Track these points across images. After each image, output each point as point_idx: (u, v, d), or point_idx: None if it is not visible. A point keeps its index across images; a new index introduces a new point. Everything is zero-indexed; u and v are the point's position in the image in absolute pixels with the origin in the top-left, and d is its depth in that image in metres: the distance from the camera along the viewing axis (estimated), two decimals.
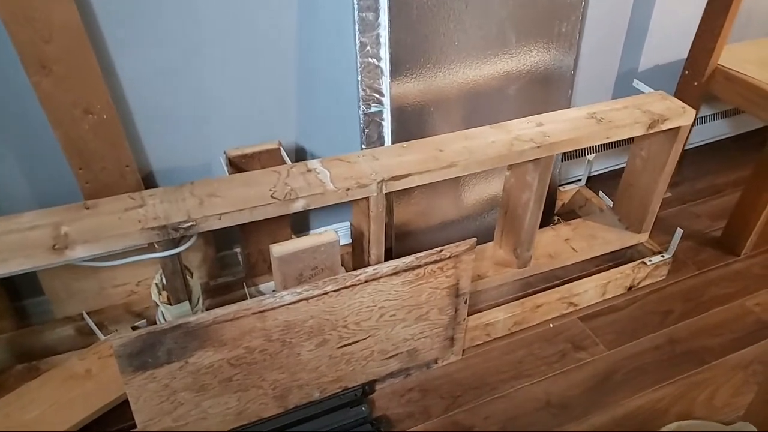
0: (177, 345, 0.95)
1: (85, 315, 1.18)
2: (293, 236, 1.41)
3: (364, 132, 1.33)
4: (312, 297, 1.03)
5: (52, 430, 0.98)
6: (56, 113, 1.06)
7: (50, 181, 1.18)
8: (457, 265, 1.15)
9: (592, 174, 1.83)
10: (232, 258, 1.49)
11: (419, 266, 1.11)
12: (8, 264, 0.86)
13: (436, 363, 1.31)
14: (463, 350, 1.34)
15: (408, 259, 1.09)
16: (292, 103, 1.33)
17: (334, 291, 1.05)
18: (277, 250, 0.97)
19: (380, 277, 1.08)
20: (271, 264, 1.41)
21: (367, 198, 1.07)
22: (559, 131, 1.23)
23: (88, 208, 0.95)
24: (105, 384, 1.04)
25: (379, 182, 1.05)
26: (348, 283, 1.05)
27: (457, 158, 1.12)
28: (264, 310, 1.00)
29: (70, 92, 1.05)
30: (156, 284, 1.10)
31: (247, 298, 1.38)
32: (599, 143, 1.25)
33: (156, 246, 0.96)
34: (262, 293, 1.43)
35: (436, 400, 1.27)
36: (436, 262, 1.12)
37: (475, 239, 1.14)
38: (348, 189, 1.04)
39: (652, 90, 1.43)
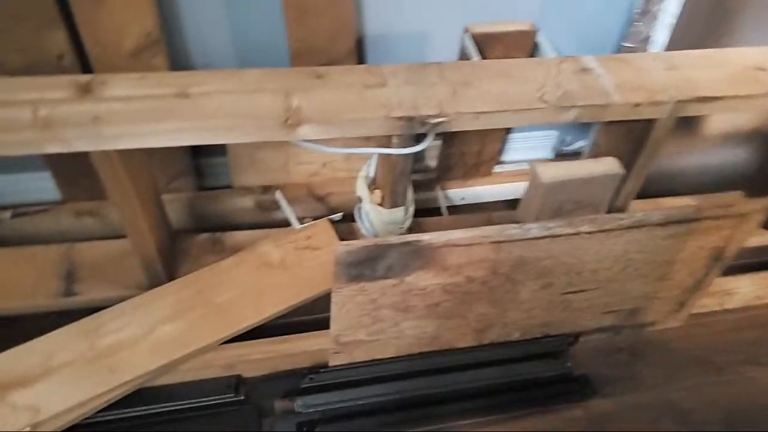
0: (399, 262, 0.82)
1: (279, 196, 1.08)
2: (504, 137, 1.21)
3: (631, 25, 1.06)
4: (561, 235, 0.85)
5: (243, 318, 0.90)
6: None
7: (256, 33, 1.03)
8: (738, 225, 0.92)
9: None
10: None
11: (696, 220, 0.89)
12: (234, 132, 0.73)
13: (653, 325, 1.13)
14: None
15: (686, 210, 0.87)
16: None
17: (588, 233, 0.86)
18: (547, 174, 0.78)
19: (645, 226, 0.87)
20: (471, 168, 1.24)
21: (650, 121, 0.84)
22: None
23: (320, 77, 0.79)
24: (300, 279, 0.95)
25: (677, 102, 0.81)
26: (607, 227, 0.86)
27: None
28: (503, 241, 0.84)
29: None
30: (364, 177, 0.96)
31: (437, 203, 1.23)
32: None
33: (393, 140, 0.80)
34: (449, 200, 1.27)
35: (648, 368, 1.10)
36: (717, 218, 0.89)
37: None
38: (637, 105, 0.81)
39: None
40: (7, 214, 1.06)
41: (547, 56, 0.96)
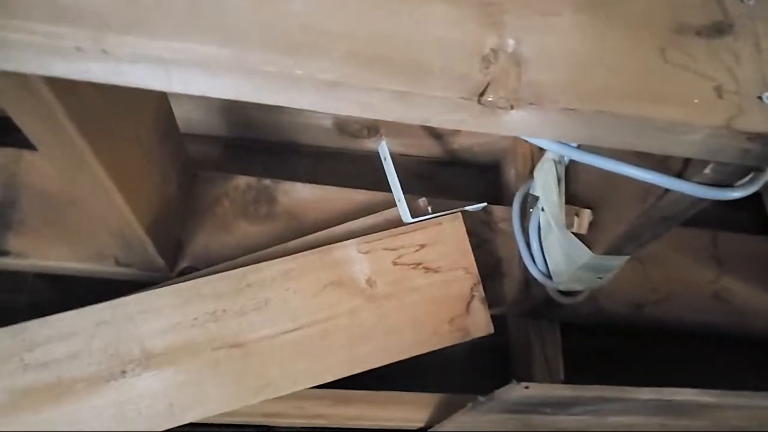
0: (615, 408, 0.41)
1: (385, 150, 0.63)
2: None
3: None
4: None
5: (283, 380, 0.53)
6: None
7: None
8: None
9: None
10: None
11: None
12: (347, 100, 0.29)
13: None
14: None
15: None
16: None
17: None
18: None
19: None
20: None
21: None
22: None
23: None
24: (394, 323, 0.55)
25: None
26: None
27: None
28: None
29: None
30: (553, 164, 0.52)
31: None
32: None
33: (706, 169, 0.35)
34: None
35: None
36: None
37: None
38: None
39: None
40: None
41: None
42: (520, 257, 0.61)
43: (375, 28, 0.29)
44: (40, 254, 0.57)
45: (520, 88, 0.29)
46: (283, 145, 0.78)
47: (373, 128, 0.77)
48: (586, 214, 0.49)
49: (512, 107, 0.30)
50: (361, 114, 0.30)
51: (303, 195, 0.65)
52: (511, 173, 0.74)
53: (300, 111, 0.74)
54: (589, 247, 0.49)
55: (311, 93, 0.29)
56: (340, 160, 0.79)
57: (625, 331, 0.70)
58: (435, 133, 0.78)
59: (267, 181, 0.65)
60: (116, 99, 0.39)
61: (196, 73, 0.28)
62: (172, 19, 0.28)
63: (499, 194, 0.77)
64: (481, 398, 0.40)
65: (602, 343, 0.71)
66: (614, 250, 0.47)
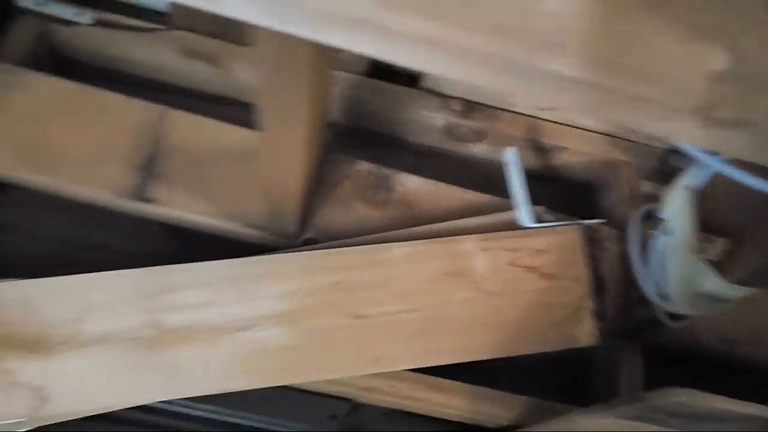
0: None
1: (513, 157, 0.66)
2: None
3: None
4: None
5: (394, 355, 0.55)
6: None
7: None
8: None
9: None
10: None
11: None
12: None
13: None
14: None
15: None
16: None
17: None
18: None
19: None
20: None
21: None
22: None
23: None
24: (504, 318, 0.57)
25: None
26: None
27: None
28: None
29: None
30: (685, 191, 0.53)
31: None
32: None
33: None
34: None
35: None
36: None
37: None
38: None
39: None
40: (87, 16, 0.69)
41: None
42: (624, 276, 0.63)
43: (616, 35, 0.31)
44: (179, 206, 0.60)
45: (744, 108, 0.31)
46: (392, 139, 0.80)
47: (480, 134, 0.79)
48: (720, 243, 0.50)
49: (733, 126, 0.31)
50: (590, 113, 0.32)
51: (417, 187, 0.68)
52: (612, 194, 0.76)
53: (416, 109, 0.77)
54: (720, 276, 0.50)
55: (554, 88, 0.31)
56: (444, 160, 0.81)
57: (707, 365, 0.71)
58: (538, 147, 0.80)
59: (387, 170, 0.68)
60: (328, 75, 0.42)
61: (454, 58, 0.30)
62: (442, 3, 0.30)
63: (595, 214, 0.79)
64: (623, 398, 0.42)
65: (683, 373, 0.72)
66: (748, 282, 0.49)
